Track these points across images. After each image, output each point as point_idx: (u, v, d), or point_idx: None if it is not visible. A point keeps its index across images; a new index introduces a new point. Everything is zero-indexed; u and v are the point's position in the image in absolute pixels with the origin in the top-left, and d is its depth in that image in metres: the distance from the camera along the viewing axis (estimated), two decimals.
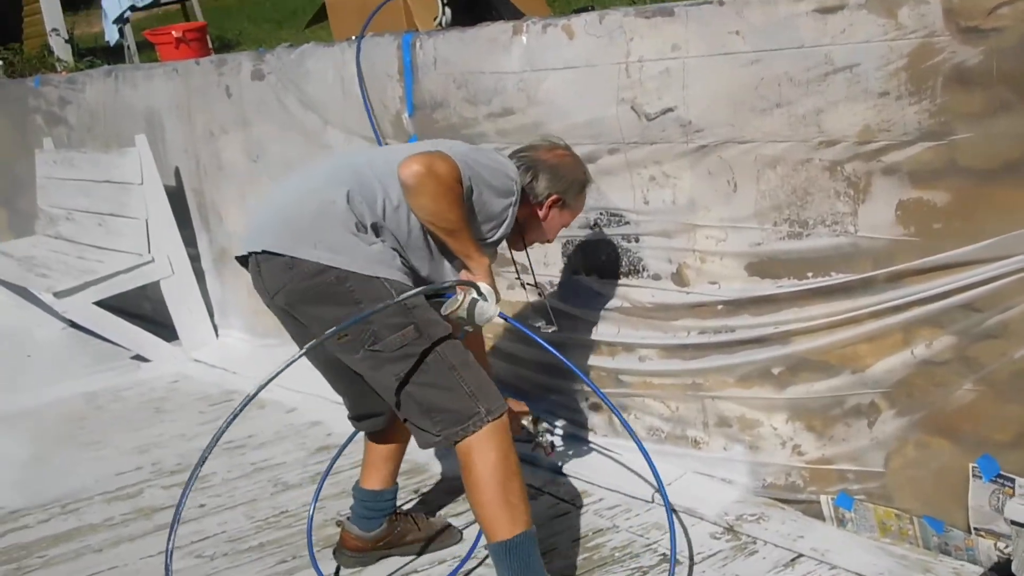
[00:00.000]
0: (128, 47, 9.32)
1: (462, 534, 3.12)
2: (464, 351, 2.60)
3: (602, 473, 3.47)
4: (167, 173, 5.52)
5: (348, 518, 3.03)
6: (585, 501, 3.32)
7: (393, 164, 2.56)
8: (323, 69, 4.48)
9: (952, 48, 2.54)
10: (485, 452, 2.48)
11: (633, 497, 3.29)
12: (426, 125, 4.04)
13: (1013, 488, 2.64)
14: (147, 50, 8.65)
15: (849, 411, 2.97)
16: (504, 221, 2.72)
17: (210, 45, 6.97)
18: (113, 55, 9.65)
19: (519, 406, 3.17)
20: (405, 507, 3.33)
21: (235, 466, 3.85)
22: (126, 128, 5.53)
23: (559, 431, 3.19)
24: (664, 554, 2.98)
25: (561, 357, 2.89)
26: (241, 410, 2.28)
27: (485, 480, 2.47)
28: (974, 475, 2.70)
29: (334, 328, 2.43)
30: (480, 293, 2.62)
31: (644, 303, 3.44)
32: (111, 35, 9.47)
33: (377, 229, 2.58)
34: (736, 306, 3.17)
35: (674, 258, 3.31)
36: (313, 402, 4.44)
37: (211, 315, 5.57)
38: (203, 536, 3.24)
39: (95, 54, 10.05)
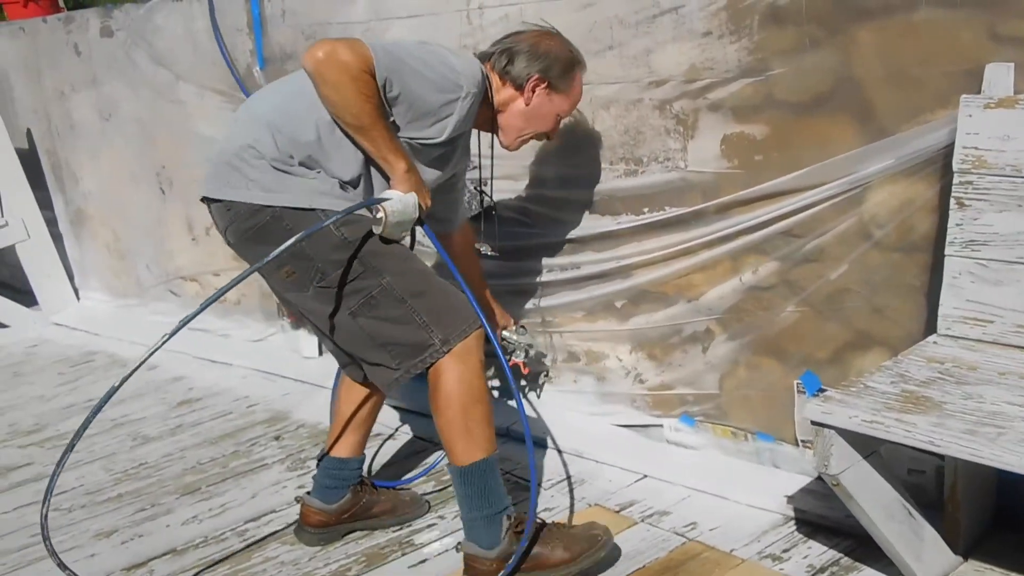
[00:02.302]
0: None
1: (429, 504, 2.98)
2: (417, 278, 2.50)
3: None
4: (18, 135, 5.40)
5: (308, 493, 2.84)
6: None
7: None
8: (172, 24, 4.45)
9: None
10: (448, 376, 2.44)
11: None
12: (277, 78, 4.04)
13: None
14: None
15: (686, 338, 3.12)
16: (446, 118, 2.48)
17: (61, 3, 6.79)
18: None
19: (504, 318, 3.23)
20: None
21: (94, 423, 3.80)
22: None
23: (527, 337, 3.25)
24: (515, 482, 3.10)
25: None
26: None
27: (446, 404, 2.45)
28: (798, 391, 2.87)
29: (244, 271, 2.39)
30: (389, 203, 2.45)
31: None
32: None
33: (310, 163, 2.46)
34: (580, 243, 3.29)
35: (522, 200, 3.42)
36: (175, 358, 4.44)
37: (71, 278, 5.49)
38: (60, 491, 3.23)
39: None
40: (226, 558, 2.77)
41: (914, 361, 2.32)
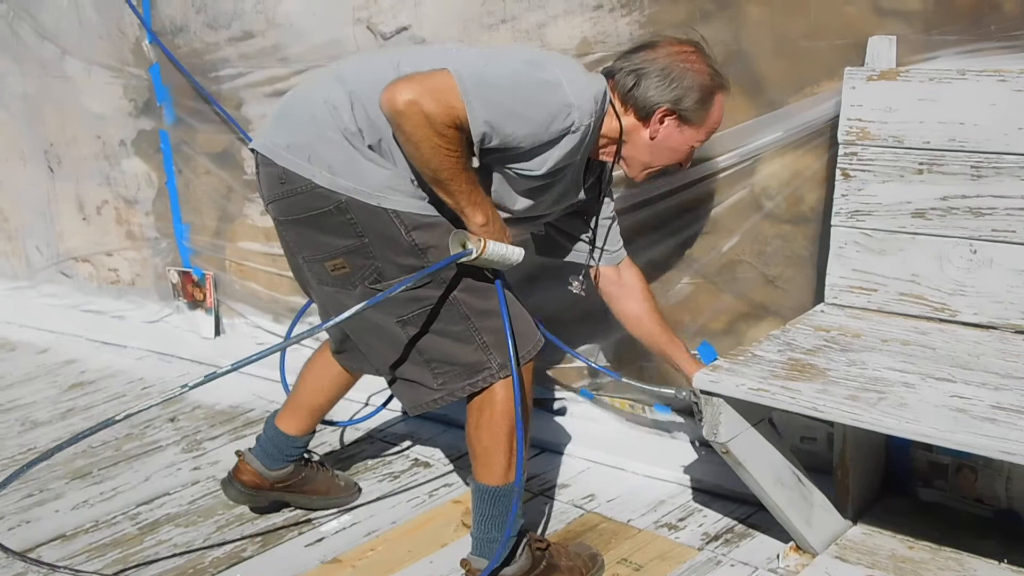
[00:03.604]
0: None
1: (361, 490, 2.91)
2: (486, 296, 2.25)
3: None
4: None
5: (250, 449, 2.73)
6: (342, 417, 3.38)
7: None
8: None
9: None
10: (501, 396, 2.26)
11: (390, 409, 3.37)
12: (169, 51, 3.95)
13: None
14: None
15: (584, 312, 3.13)
16: (549, 151, 2.16)
17: None
18: None
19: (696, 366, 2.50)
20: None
21: None
22: None
23: None
24: (416, 459, 3.09)
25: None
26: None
27: (495, 423, 2.27)
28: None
29: (356, 307, 2.14)
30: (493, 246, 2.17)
31: None
32: None
33: (379, 149, 2.17)
34: None
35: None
36: (67, 341, 4.37)
37: None
38: None
39: None
40: (117, 542, 2.71)
41: (801, 330, 2.36)
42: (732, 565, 2.44)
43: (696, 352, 2.89)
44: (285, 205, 2.25)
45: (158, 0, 3.91)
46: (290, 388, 2.84)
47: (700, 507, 2.71)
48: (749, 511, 2.63)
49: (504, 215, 2.30)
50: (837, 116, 2.47)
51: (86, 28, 4.20)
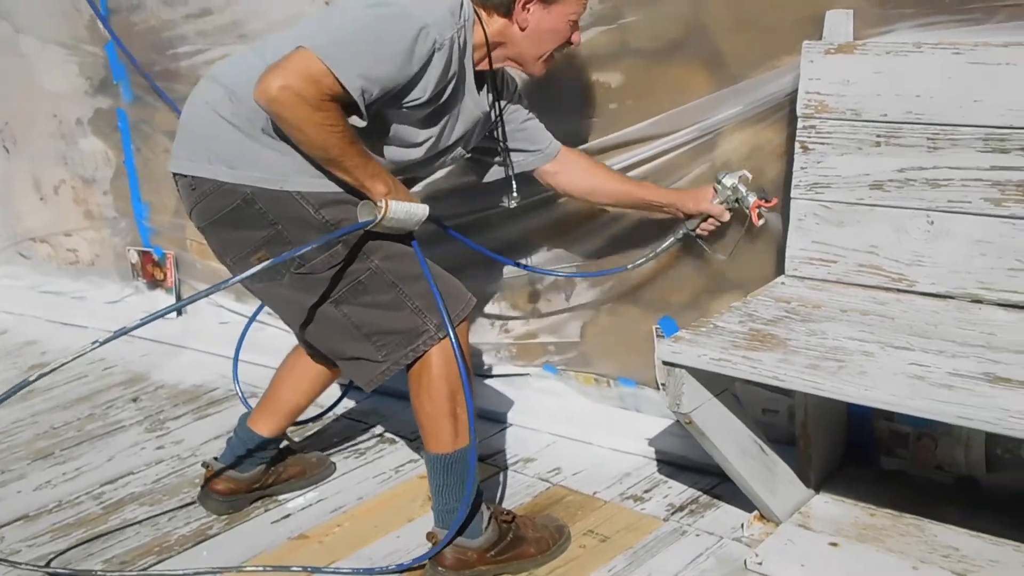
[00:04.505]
0: None
1: (335, 465, 2.93)
2: (408, 261, 2.27)
3: None
4: None
5: (216, 458, 2.71)
6: None
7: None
8: None
9: None
10: (436, 359, 2.27)
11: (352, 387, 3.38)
12: (124, 29, 3.91)
13: None
14: None
15: (548, 287, 3.14)
16: (424, 76, 2.17)
17: None
18: None
19: (696, 198, 2.62)
20: None
21: None
22: None
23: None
24: (381, 436, 3.10)
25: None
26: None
27: (433, 390, 2.28)
28: (657, 335, 2.93)
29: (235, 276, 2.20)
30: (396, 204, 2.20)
31: None
32: None
33: (274, 132, 2.17)
34: (437, 198, 3.26)
35: None
36: (26, 322, 4.33)
37: None
38: None
39: None
40: (82, 522, 2.70)
41: (762, 301, 2.39)
42: (697, 535, 2.47)
43: (658, 325, 2.91)
44: (201, 210, 2.30)
45: None
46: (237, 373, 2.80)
47: (665, 479, 2.74)
48: (713, 482, 2.66)
49: (423, 155, 2.34)
50: (797, 90, 2.49)
51: (40, 5, 4.13)
